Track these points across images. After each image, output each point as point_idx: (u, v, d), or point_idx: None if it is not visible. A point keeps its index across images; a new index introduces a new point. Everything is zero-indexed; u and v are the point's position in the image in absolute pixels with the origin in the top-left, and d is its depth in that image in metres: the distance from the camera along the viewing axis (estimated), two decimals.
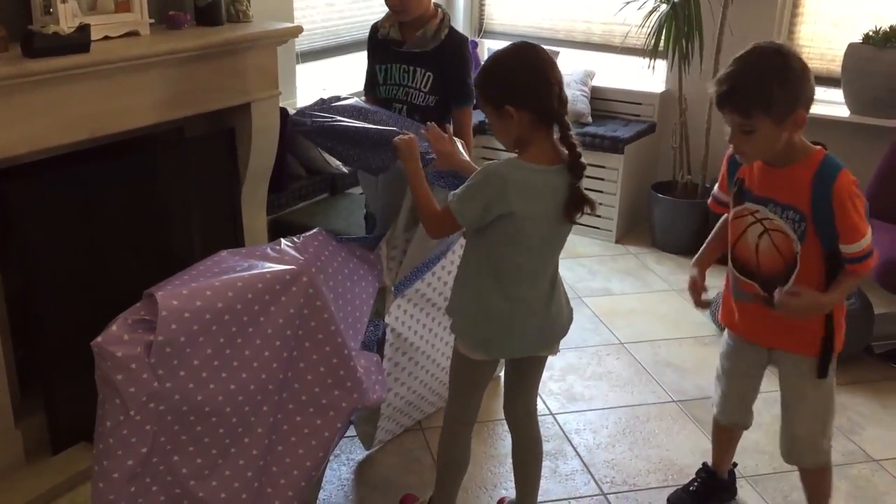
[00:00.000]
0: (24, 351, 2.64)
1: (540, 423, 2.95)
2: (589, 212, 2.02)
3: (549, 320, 2.13)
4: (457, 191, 2.03)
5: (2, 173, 2.36)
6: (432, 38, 2.80)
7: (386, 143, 2.29)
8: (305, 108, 2.57)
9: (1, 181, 2.35)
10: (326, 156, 3.95)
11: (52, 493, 2.52)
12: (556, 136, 2.00)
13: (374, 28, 2.93)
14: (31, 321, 2.55)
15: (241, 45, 2.94)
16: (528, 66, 1.96)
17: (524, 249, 2.02)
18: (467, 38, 2.92)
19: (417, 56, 2.82)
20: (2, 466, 2.52)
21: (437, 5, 2.87)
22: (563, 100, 1.98)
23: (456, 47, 2.83)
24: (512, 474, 2.43)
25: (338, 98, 2.64)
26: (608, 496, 2.63)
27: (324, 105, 2.58)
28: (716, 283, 4.03)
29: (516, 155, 2.03)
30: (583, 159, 1.98)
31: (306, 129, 2.48)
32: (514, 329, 2.08)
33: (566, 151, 1.99)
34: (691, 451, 2.86)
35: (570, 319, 2.22)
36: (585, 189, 2.06)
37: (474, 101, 2.89)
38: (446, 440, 2.30)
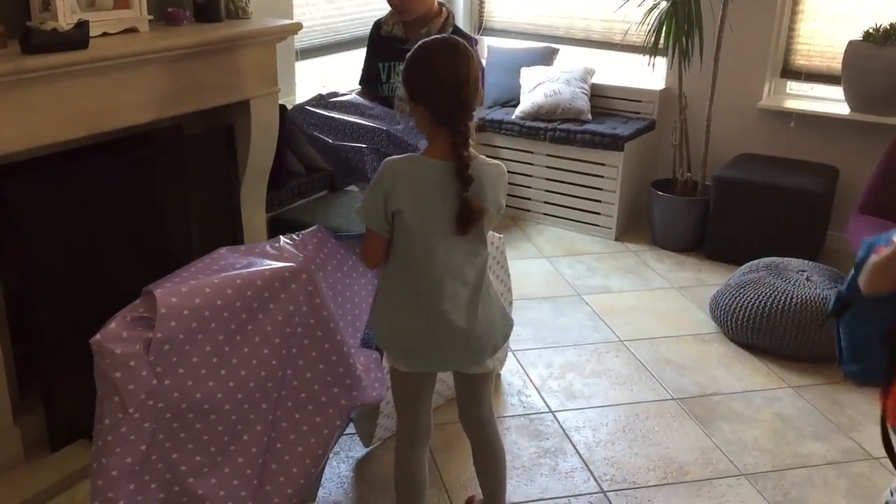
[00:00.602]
0: (23, 348, 2.64)
1: (539, 421, 2.97)
2: (475, 224, 1.92)
3: (473, 335, 2.02)
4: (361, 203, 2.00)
5: (0, 170, 2.35)
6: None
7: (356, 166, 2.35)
8: (303, 103, 2.57)
9: (0, 178, 2.35)
10: None
11: (50, 491, 2.51)
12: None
13: (377, 25, 2.92)
14: (30, 318, 2.55)
15: (240, 42, 2.93)
16: (427, 65, 1.92)
17: (426, 255, 1.95)
18: (471, 37, 2.91)
19: None
20: (0, 463, 2.51)
21: (441, 3, 2.85)
22: (460, 103, 1.89)
23: None
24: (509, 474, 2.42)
25: (336, 94, 2.63)
26: (608, 494, 2.63)
27: (321, 100, 2.58)
28: (716, 280, 4.05)
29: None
30: (470, 171, 1.89)
31: (301, 129, 2.50)
32: (433, 340, 2.01)
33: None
34: (690, 448, 2.86)
35: (504, 336, 2.13)
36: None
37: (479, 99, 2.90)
38: (396, 459, 2.21)
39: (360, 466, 2.76)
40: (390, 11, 2.87)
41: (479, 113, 4.77)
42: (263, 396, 2.11)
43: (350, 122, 2.45)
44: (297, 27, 3.16)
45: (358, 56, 4.49)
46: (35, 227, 2.49)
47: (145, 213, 2.85)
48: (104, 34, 2.59)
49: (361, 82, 2.99)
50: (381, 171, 1.96)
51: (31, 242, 2.49)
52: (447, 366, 2.14)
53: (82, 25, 2.40)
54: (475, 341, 2.04)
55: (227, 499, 2.13)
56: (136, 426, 1.93)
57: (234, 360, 2.03)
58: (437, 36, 2.03)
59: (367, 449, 2.81)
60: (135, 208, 2.80)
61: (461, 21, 5.32)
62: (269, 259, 2.13)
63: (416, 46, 1.98)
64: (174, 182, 2.93)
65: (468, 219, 1.91)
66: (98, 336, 1.86)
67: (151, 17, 2.76)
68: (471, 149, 1.93)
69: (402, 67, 2.84)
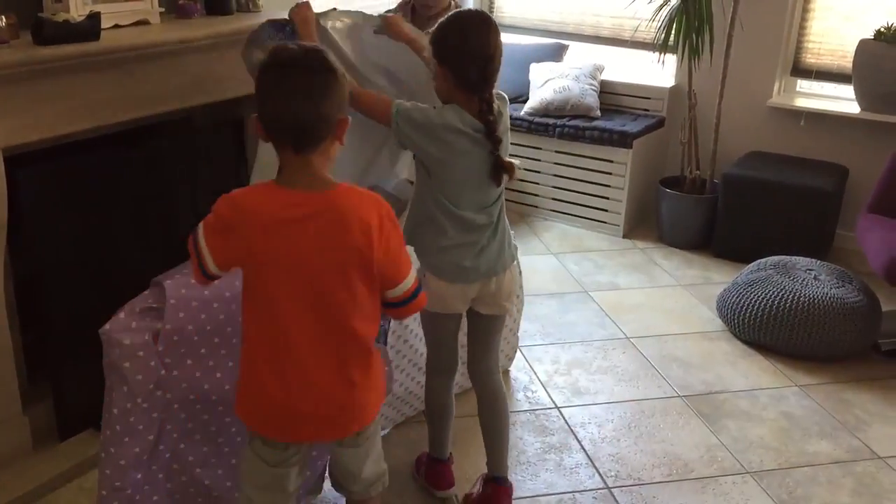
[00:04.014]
0: (32, 337, 2.65)
1: (545, 417, 2.98)
2: (509, 178, 2.13)
3: (499, 229, 2.25)
4: (406, 102, 2.11)
5: (11, 161, 2.37)
6: None
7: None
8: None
9: (10, 168, 2.35)
10: None
11: (59, 480, 2.53)
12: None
13: None
14: (40, 308, 2.56)
15: None
16: (458, 32, 2.04)
17: (458, 190, 2.14)
18: None
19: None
20: (9, 452, 2.53)
21: None
22: (485, 74, 2.03)
23: None
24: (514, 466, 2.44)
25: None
26: (612, 490, 2.63)
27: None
28: (724, 278, 4.05)
29: None
30: (498, 133, 2.08)
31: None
32: (473, 245, 2.19)
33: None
34: (696, 445, 2.86)
35: (515, 248, 2.34)
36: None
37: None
38: (426, 387, 2.47)
39: None
40: (399, 4, 2.87)
41: None
42: None
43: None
44: None
45: None
46: (45, 217, 2.50)
47: (155, 205, 2.87)
48: (116, 26, 2.61)
49: None
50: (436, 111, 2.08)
51: (42, 232, 2.50)
52: (486, 271, 2.22)
53: (94, 17, 2.41)
54: (501, 235, 2.24)
55: (234, 489, 2.14)
56: (144, 416, 1.94)
57: None
58: (471, 8, 2.16)
59: None
60: (144, 200, 2.82)
61: None
62: None
63: (449, 14, 2.10)
64: (184, 174, 2.94)
65: (500, 173, 2.12)
66: (107, 326, 1.88)
67: (163, 9, 2.78)
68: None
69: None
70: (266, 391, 1.70)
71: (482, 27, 2.03)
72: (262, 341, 1.70)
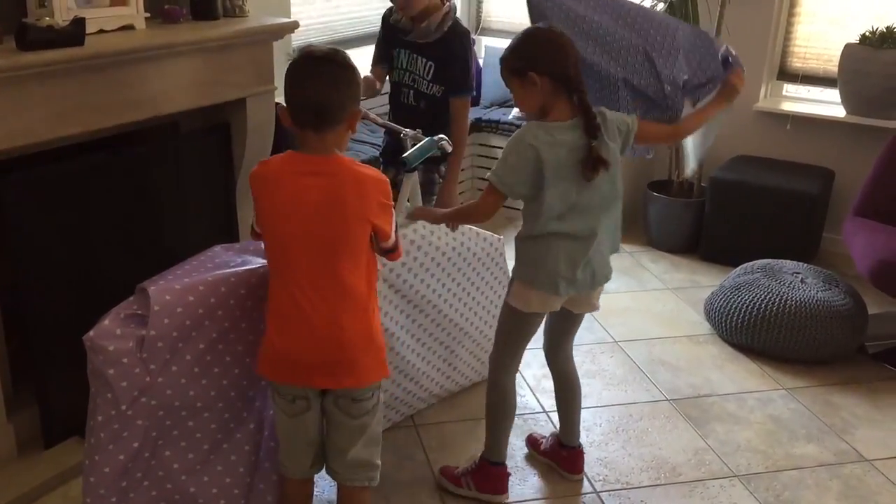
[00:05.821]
0: (17, 344, 2.64)
1: (534, 421, 2.98)
2: (605, 171, 2.18)
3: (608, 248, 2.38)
4: (495, 169, 2.22)
5: None
6: (435, 29, 2.86)
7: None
8: None
9: None
10: None
11: (43, 488, 2.51)
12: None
13: (389, 10, 3.01)
14: (24, 314, 2.54)
15: (237, 40, 2.93)
16: (547, 38, 2.19)
17: (566, 196, 2.21)
18: (468, 32, 2.96)
19: (420, 46, 2.90)
20: None
21: None
22: (578, 69, 2.18)
23: (456, 40, 2.89)
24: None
25: None
26: (601, 494, 2.63)
27: None
28: (711, 282, 4.06)
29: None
30: (598, 120, 2.17)
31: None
32: (583, 259, 2.29)
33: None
34: (683, 449, 2.86)
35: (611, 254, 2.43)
36: None
37: (472, 94, 2.95)
38: (489, 385, 2.53)
39: None
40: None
41: (476, 113, 4.78)
42: (256, 394, 2.12)
43: (599, 22, 2.45)
44: (295, 25, 3.16)
45: (355, 56, 4.51)
46: (30, 223, 2.49)
47: (140, 211, 2.85)
48: (100, 31, 2.59)
49: (373, 62, 3.09)
50: (518, 150, 2.18)
51: (26, 238, 2.49)
52: (600, 279, 2.37)
53: (78, 22, 2.39)
54: (610, 244, 2.37)
55: (220, 497, 2.13)
56: (128, 423, 1.93)
57: (228, 357, 2.03)
58: (535, 25, 2.30)
59: None
60: (130, 205, 2.80)
61: None
62: (263, 257, 2.13)
63: (522, 32, 2.24)
64: (170, 179, 2.93)
65: (595, 166, 2.17)
66: (91, 333, 1.87)
67: (148, 14, 2.76)
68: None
69: (407, 55, 2.91)
70: (272, 340, 1.94)
71: (557, 31, 2.20)
72: (273, 293, 1.94)
